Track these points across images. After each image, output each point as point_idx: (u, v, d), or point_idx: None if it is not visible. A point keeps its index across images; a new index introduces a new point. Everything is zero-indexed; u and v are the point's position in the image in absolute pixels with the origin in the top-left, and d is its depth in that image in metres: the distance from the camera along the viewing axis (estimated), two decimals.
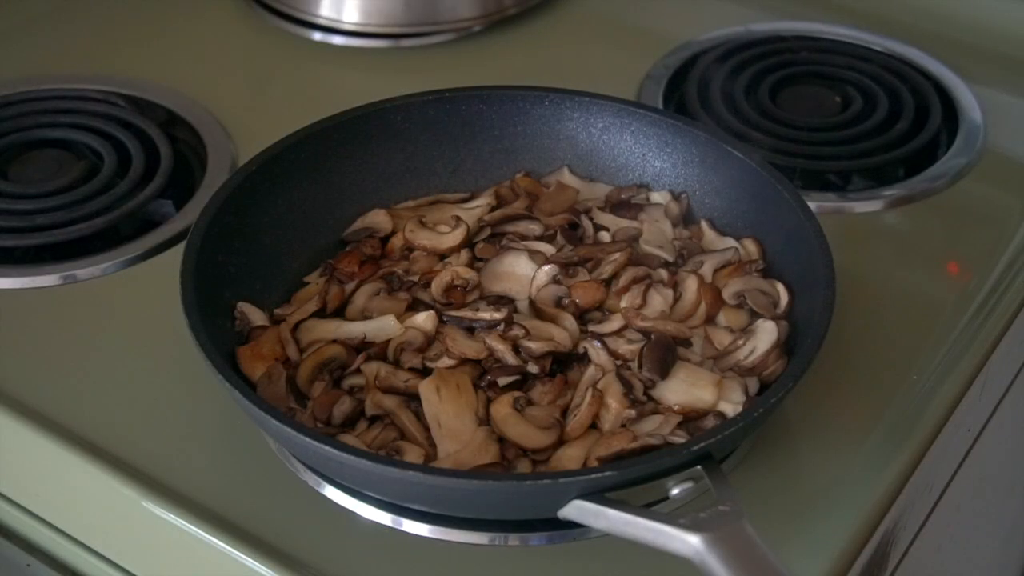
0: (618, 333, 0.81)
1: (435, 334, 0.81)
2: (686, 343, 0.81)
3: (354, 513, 0.76)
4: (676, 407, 0.77)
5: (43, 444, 0.80)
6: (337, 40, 1.18)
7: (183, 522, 0.75)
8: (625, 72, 1.12)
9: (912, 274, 0.93)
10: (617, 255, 0.85)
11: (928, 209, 0.99)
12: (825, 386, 0.81)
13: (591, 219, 0.90)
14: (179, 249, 0.81)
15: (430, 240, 0.89)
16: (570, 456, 0.75)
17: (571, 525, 0.70)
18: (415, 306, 0.84)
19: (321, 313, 0.84)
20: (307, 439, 0.69)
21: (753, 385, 0.79)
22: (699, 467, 0.69)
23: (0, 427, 0.82)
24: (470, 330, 0.81)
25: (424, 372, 0.79)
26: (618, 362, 0.79)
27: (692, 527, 0.65)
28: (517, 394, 0.78)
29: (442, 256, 0.88)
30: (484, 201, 0.92)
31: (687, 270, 0.86)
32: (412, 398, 0.78)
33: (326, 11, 1.18)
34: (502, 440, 0.76)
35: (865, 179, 1.02)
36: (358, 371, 0.80)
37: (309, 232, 0.89)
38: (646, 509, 0.68)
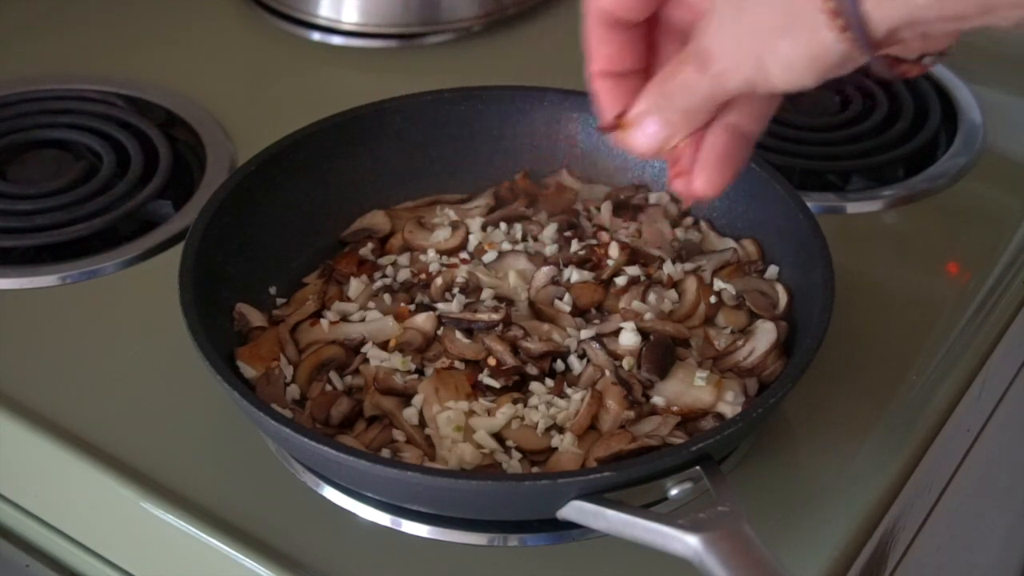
0: (617, 334, 0.81)
1: (434, 335, 0.81)
2: (685, 343, 0.81)
3: (353, 514, 0.76)
4: (675, 408, 0.77)
5: (42, 444, 0.80)
6: (336, 40, 1.18)
7: (181, 523, 0.75)
8: None
9: (911, 274, 0.93)
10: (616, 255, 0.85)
11: (927, 209, 0.98)
12: (824, 386, 0.81)
13: (590, 220, 0.90)
14: (178, 249, 0.81)
15: (429, 241, 0.88)
16: (569, 457, 0.75)
17: (570, 526, 0.70)
18: None
19: (320, 314, 0.84)
20: (305, 440, 0.69)
21: (752, 386, 0.79)
22: (698, 468, 0.69)
23: None
24: (468, 331, 0.81)
25: (422, 373, 0.79)
26: (616, 363, 0.79)
27: (691, 528, 0.64)
28: (516, 395, 0.78)
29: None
30: (483, 202, 0.92)
31: (686, 270, 0.86)
32: (410, 399, 0.78)
33: (325, 11, 1.17)
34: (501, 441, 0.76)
35: (864, 179, 1.02)
36: (357, 371, 0.80)
37: (308, 233, 0.89)
38: (645, 510, 0.67)
